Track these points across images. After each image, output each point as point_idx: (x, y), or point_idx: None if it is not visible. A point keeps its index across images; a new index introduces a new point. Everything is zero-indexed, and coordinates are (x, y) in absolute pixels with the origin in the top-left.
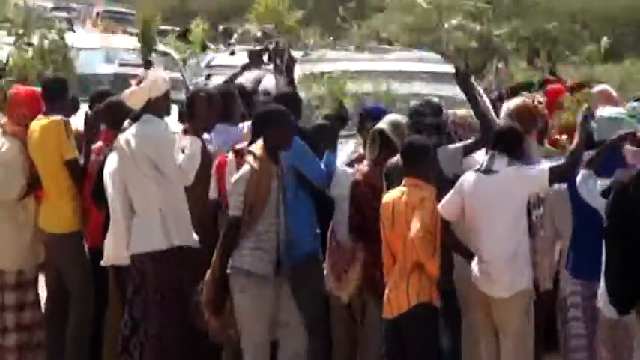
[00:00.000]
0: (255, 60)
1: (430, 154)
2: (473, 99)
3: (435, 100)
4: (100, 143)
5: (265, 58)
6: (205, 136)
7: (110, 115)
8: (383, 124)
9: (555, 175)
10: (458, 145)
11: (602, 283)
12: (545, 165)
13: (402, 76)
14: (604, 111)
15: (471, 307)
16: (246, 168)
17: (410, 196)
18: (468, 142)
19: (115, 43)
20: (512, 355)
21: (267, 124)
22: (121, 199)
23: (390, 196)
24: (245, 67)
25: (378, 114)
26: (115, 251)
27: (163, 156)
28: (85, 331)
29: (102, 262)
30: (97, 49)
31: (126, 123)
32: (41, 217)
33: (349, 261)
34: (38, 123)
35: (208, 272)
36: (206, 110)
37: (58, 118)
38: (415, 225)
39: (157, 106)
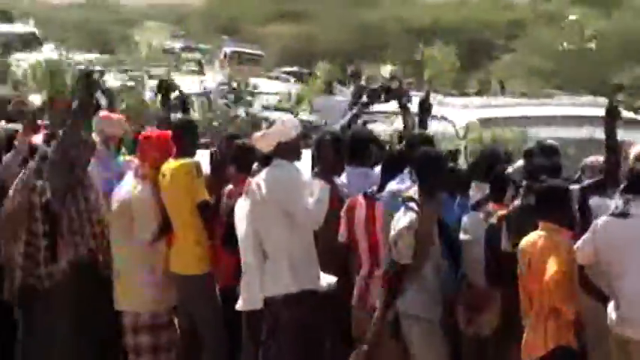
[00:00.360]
0: (374, 98)
1: (567, 197)
2: (613, 138)
3: (551, 142)
4: (230, 186)
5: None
6: (342, 178)
7: (240, 159)
8: (512, 169)
9: None
10: (575, 186)
11: None
12: None
13: (574, 122)
14: None
15: (605, 350)
16: (413, 215)
17: (546, 240)
18: (587, 182)
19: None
20: None
21: (429, 168)
22: (253, 244)
23: (526, 241)
24: (364, 106)
25: None
26: (248, 295)
27: (293, 200)
28: None
29: (236, 307)
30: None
31: (255, 166)
32: (172, 260)
33: (484, 302)
34: (169, 166)
35: (375, 319)
36: (333, 154)
37: (189, 160)
38: (551, 269)
39: (287, 151)
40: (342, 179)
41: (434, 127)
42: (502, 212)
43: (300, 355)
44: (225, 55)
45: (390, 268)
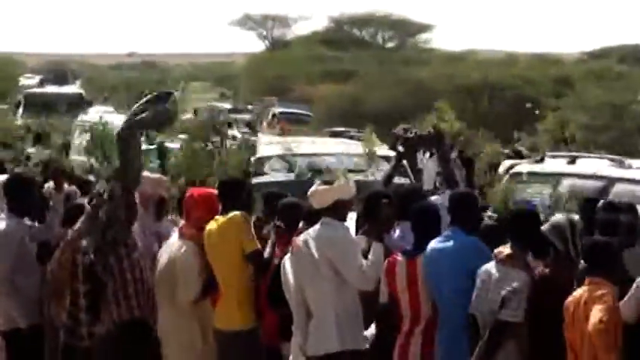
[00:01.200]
0: (409, 148)
1: (614, 253)
2: None
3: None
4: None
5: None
6: (397, 233)
7: (286, 216)
8: (546, 228)
9: None
10: None
11: None
12: None
13: None
14: None
15: None
16: (525, 275)
17: (590, 293)
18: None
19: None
20: None
21: (528, 227)
22: (298, 302)
23: (573, 295)
24: (401, 155)
25: None
26: (295, 355)
27: (345, 260)
28: None
29: None
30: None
31: (300, 224)
32: (217, 316)
33: None
34: (217, 221)
35: None
36: (388, 212)
37: (237, 213)
38: (594, 318)
39: (340, 210)
40: (398, 233)
41: None
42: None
43: None
44: (273, 116)
45: (496, 325)
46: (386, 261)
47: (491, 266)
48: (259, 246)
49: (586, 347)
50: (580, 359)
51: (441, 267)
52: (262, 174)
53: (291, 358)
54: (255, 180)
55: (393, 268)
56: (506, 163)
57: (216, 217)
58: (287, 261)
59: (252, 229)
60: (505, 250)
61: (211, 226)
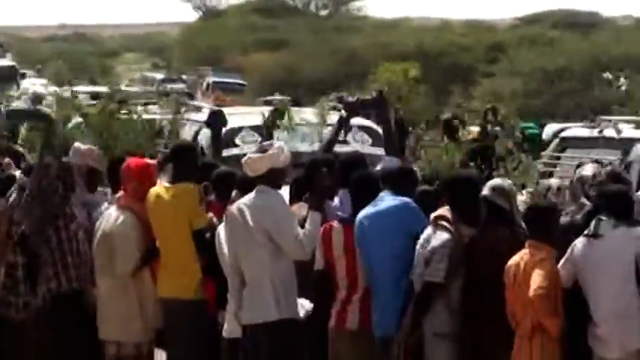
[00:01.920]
0: (352, 112)
1: (555, 216)
2: None
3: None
4: (210, 214)
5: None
6: (336, 201)
7: (221, 186)
8: (487, 191)
9: None
10: None
11: None
12: None
13: None
14: None
15: None
16: (447, 235)
17: (529, 256)
18: None
19: None
20: None
21: (465, 192)
22: (232, 270)
23: (513, 259)
24: (343, 121)
25: None
26: (230, 323)
27: (281, 228)
28: None
29: (224, 334)
30: None
31: (233, 193)
32: (161, 286)
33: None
34: (167, 190)
35: (402, 340)
36: (326, 181)
37: (191, 185)
38: (534, 283)
39: (275, 178)
40: (336, 202)
41: None
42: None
43: None
44: (207, 86)
45: (422, 286)
46: (322, 228)
47: (428, 229)
48: (205, 224)
49: (527, 312)
50: (522, 324)
51: (374, 230)
52: (233, 146)
53: (225, 326)
54: (225, 152)
55: (329, 235)
56: (553, 127)
57: (167, 184)
58: (221, 230)
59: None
60: (439, 212)
61: (161, 194)
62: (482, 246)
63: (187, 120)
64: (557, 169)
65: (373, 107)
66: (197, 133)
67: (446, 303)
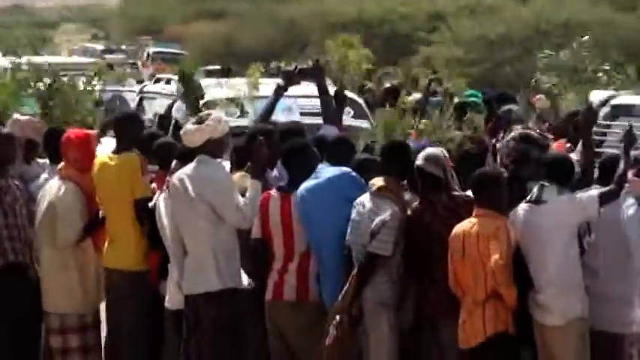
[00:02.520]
0: (289, 81)
1: (501, 183)
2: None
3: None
4: (152, 185)
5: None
6: (275, 172)
7: (161, 156)
8: (420, 161)
9: (604, 201)
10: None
11: None
12: (594, 192)
13: None
14: None
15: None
16: (395, 207)
17: (482, 226)
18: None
19: None
20: None
21: (399, 158)
22: (174, 240)
23: (460, 228)
24: (281, 89)
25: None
26: (173, 295)
27: (222, 198)
28: None
29: (166, 305)
30: None
31: (173, 163)
32: (107, 256)
33: (405, 294)
34: (112, 159)
35: (335, 307)
36: (265, 151)
37: (134, 155)
38: (494, 254)
39: (215, 147)
40: (275, 173)
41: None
42: (414, 205)
43: (221, 352)
44: (147, 56)
45: (366, 257)
46: (261, 196)
47: (365, 198)
48: (149, 194)
49: (482, 283)
50: (472, 294)
51: (317, 202)
52: None
53: (167, 297)
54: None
55: (267, 203)
56: (599, 94)
57: (111, 154)
58: (161, 200)
59: (147, 176)
60: (379, 181)
61: (105, 163)
62: (421, 215)
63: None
64: (608, 137)
65: (310, 76)
66: (171, 106)
67: (388, 273)
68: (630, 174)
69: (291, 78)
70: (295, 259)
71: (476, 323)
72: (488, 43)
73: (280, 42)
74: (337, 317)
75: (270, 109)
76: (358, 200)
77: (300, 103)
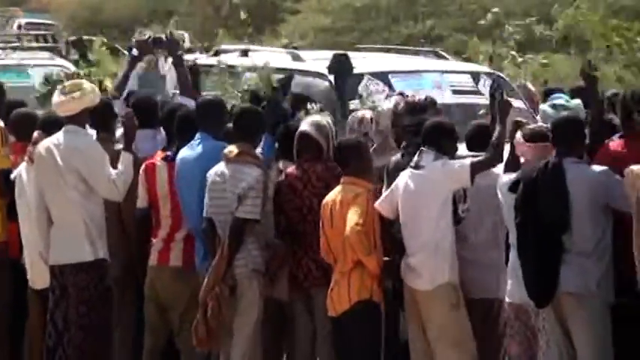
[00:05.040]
0: (144, 50)
1: (362, 151)
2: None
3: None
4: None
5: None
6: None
7: (21, 127)
8: (305, 126)
9: (477, 169)
10: None
11: (509, 276)
12: (468, 160)
13: None
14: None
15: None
16: (260, 171)
17: (344, 193)
18: None
19: None
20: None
21: (251, 123)
22: (39, 210)
23: (329, 196)
24: (135, 60)
25: None
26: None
27: (93, 169)
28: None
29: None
30: None
31: (36, 133)
32: None
33: (280, 263)
34: None
35: (209, 278)
36: (135, 123)
37: None
38: (350, 221)
39: (85, 118)
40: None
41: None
42: (289, 170)
43: (92, 323)
44: (19, 27)
45: (234, 224)
46: (144, 165)
47: (221, 166)
48: (9, 165)
49: (347, 250)
50: (340, 260)
51: (189, 172)
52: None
53: (27, 267)
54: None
55: (153, 173)
56: None
57: None
58: (23, 171)
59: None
60: (233, 148)
61: None
62: (294, 182)
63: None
64: None
65: (165, 47)
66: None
67: (257, 238)
68: (521, 140)
69: (144, 48)
70: (182, 229)
71: (342, 291)
72: (354, 11)
73: (146, 11)
74: (216, 288)
75: (124, 79)
76: (212, 171)
77: (450, 79)
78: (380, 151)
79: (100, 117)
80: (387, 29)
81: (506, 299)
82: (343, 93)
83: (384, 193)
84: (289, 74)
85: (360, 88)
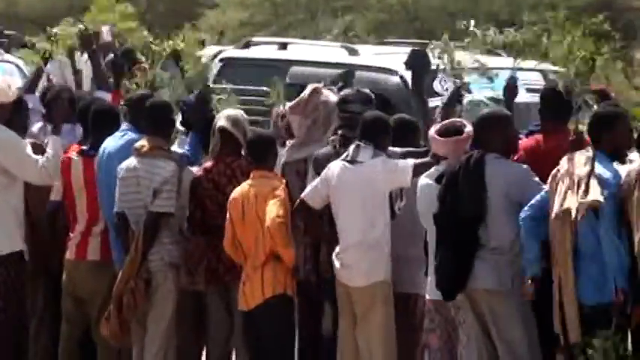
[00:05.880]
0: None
1: (275, 146)
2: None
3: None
4: None
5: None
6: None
7: None
8: (222, 121)
9: (419, 171)
10: None
11: (429, 273)
12: (411, 161)
13: None
14: (469, 96)
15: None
16: (173, 164)
17: (259, 187)
18: None
19: None
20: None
21: (160, 116)
22: None
23: (237, 191)
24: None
25: None
26: None
27: (19, 159)
28: None
29: None
30: None
31: None
32: None
33: (200, 256)
34: None
35: (123, 272)
36: (65, 109)
37: None
38: (271, 213)
39: (3, 112)
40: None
41: None
42: (207, 164)
43: (7, 313)
44: None
45: (149, 217)
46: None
47: (132, 161)
48: None
49: (261, 244)
50: (253, 254)
51: (110, 163)
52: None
53: None
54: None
55: (68, 167)
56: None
57: None
58: None
59: None
60: (145, 142)
61: None
62: (214, 176)
63: None
64: None
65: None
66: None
67: (171, 233)
68: (432, 132)
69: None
70: (100, 223)
71: (255, 285)
72: (272, 5)
73: (62, 6)
74: (131, 282)
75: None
76: (123, 165)
77: (525, 77)
78: (302, 144)
79: (12, 113)
80: (305, 25)
81: (427, 296)
82: (422, 91)
83: (312, 183)
84: (348, 70)
85: (436, 86)
